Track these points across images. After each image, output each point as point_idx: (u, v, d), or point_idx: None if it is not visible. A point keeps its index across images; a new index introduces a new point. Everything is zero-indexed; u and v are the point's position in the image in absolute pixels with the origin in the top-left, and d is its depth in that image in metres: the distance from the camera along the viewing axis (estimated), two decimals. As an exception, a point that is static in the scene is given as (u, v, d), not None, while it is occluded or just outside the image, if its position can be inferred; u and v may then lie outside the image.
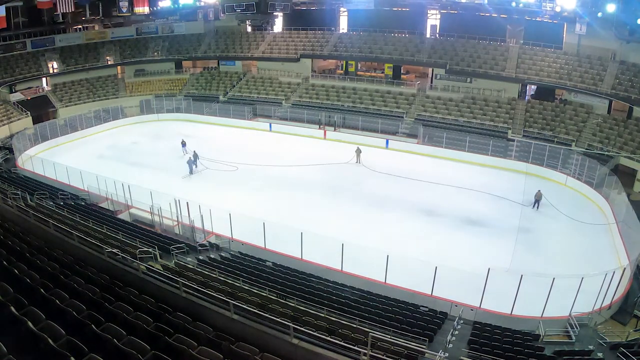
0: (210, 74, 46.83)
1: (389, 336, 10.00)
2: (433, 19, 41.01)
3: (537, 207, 23.39)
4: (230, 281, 13.61)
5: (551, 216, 22.81)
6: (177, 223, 20.71)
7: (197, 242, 19.44)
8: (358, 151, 29.79)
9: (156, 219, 21.28)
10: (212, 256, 17.83)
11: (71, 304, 7.64)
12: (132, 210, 22.48)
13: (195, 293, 9.28)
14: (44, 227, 12.55)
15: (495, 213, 23.20)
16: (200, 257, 17.12)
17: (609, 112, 31.03)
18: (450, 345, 11.96)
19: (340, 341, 8.39)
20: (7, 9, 36.41)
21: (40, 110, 38.87)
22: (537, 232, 21.28)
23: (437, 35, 40.89)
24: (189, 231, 20.28)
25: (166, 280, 9.72)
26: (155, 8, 45.15)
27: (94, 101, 41.82)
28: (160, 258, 15.02)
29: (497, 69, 35.23)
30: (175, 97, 43.42)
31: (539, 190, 23.64)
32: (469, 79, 36.01)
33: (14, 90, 38.46)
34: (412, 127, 34.47)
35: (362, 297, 15.03)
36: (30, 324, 6.44)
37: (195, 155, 28.31)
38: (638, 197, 24.63)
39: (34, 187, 22.64)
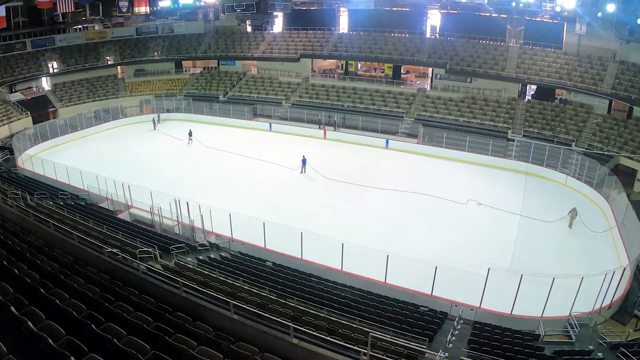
0: (210, 73, 46.81)
1: (389, 336, 9.98)
2: (433, 19, 40.95)
3: (571, 227, 21.41)
4: (230, 281, 13.60)
5: (551, 216, 22.80)
6: (177, 223, 20.70)
7: (197, 242, 19.45)
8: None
9: (156, 218, 21.27)
10: (212, 256, 17.83)
11: (71, 304, 7.63)
12: (132, 210, 22.47)
13: (195, 293, 9.28)
14: (44, 227, 12.53)
15: (495, 213, 23.20)
16: (200, 257, 17.11)
17: (609, 112, 31.02)
18: (450, 345, 11.96)
19: (340, 341, 8.37)
20: (7, 9, 36.39)
21: (40, 110, 38.86)
22: (537, 232, 21.26)
23: (437, 35, 40.85)
24: (189, 231, 20.27)
25: (166, 280, 9.72)
26: (155, 8, 45.11)
27: (94, 101, 41.79)
28: (160, 258, 15.01)
29: (497, 68, 35.23)
30: (175, 97, 43.42)
31: (574, 208, 21.59)
32: (469, 79, 36.00)
33: (14, 90, 38.43)
34: (412, 127, 34.47)
35: (362, 297, 15.02)
36: (30, 324, 6.43)
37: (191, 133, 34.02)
38: (638, 197, 24.61)
39: (34, 187, 22.61)
